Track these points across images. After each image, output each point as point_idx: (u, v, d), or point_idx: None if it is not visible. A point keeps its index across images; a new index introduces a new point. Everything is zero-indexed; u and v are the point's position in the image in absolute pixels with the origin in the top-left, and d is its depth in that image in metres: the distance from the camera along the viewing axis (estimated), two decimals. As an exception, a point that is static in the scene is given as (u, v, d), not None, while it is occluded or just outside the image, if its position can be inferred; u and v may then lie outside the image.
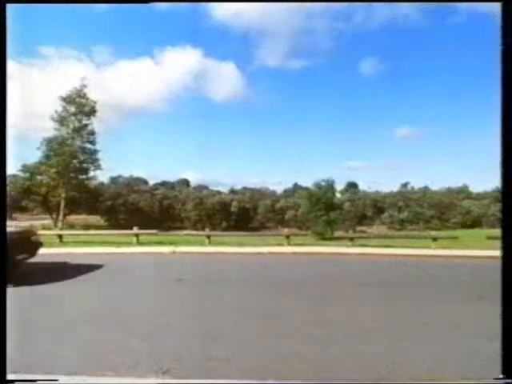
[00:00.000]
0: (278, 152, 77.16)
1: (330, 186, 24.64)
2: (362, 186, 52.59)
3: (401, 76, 64.35)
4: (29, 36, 48.38)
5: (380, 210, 42.96)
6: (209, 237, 12.04)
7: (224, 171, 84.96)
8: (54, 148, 26.30)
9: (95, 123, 28.02)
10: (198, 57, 69.87)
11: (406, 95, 65.43)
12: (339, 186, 38.56)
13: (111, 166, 49.37)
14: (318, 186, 25.10)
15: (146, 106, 69.75)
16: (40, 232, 15.85)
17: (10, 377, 2.17)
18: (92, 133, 27.42)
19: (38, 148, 27.03)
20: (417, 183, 55.03)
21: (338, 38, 60.53)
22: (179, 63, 66.24)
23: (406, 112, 65.10)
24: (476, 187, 56.18)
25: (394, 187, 48.32)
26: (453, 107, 65.26)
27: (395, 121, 76.45)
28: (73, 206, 30.11)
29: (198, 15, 61.72)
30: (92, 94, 27.28)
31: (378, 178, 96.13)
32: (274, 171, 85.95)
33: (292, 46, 66.00)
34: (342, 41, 59.72)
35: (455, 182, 53.60)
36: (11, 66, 32.77)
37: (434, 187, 47.85)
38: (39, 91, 48.02)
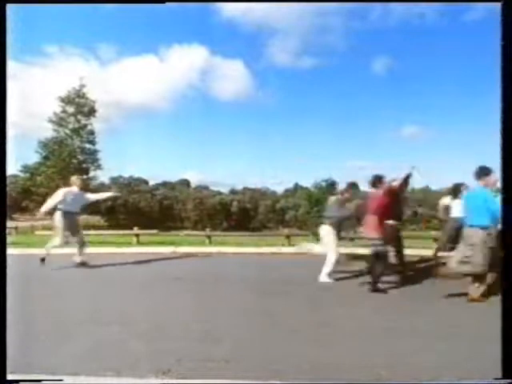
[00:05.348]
0: (281, 152, 77.35)
1: (330, 186, 24.60)
2: (363, 187, 52.49)
3: (412, 75, 64.34)
4: (32, 35, 48.53)
5: (380, 211, 42.93)
6: (209, 237, 12.04)
7: (225, 171, 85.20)
8: (53, 149, 26.34)
9: (97, 122, 28.15)
10: (204, 55, 69.56)
11: (416, 94, 65.51)
12: (340, 186, 38.49)
13: (112, 165, 49.77)
14: (317, 186, 25.07)
15: (150, 105, 69.90)
16: (40, 232, 15.90)
17: (10, 377, 2.17)
18: (92, 133, 27.46)
19: (37, 151, 27.10)
20: (419, 183, 54.92)
21: (350, 37, 60.56)
22: (185, 61, 65.85)
23: (416, 111, 65.16)
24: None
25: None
26: (461, 107, 65.31)
27: (404, 120, 76.49)
28: (73, 207, 30.05)
29: (206, 12, 61.63)
30: (95, 93, 27.43)
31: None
32: (276, 171, 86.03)
33: (302, 44, 65.93)
34: (353, 39, 59.72)
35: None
36: (14, 65, 32.77)
37: (435, 187, 47.86)
38: (42, 90, 48.14)
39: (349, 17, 61.01)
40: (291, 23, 62.80)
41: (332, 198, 6.11)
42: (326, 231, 5.73)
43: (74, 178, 6.96)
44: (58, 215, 6.47)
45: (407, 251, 9.49)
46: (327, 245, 5.71)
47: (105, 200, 8.01)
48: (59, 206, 6.47)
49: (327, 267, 5.57)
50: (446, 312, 4.06)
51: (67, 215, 6.43)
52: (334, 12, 59.51)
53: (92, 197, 7.22)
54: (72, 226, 6.55)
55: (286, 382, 2.37)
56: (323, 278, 5.56)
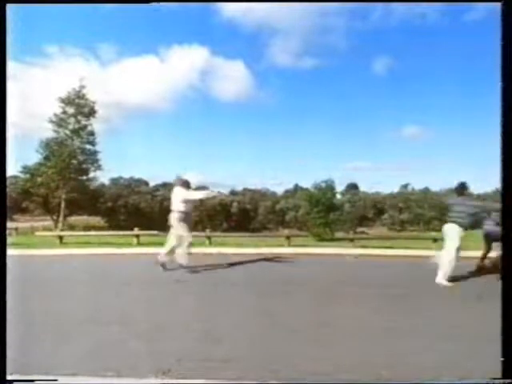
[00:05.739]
0: (281, 152, 77.29)
1: (329, 187, 24.61)
2: (364, 187, 52.59)
3: (412, 75, 64.18)
4: (32, 35, 48.61)
5: (380, 212, 42.99)
6: (209, 238, 12.04)
7: (225, 172, 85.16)
8: (53, 149, 26.36)
9: (97, 123, 28.17)
10: (205, 55, 69.50)
11: (416, 95, 65.40)
12: (340, 187, 38.60)
13: (112, 166, 49.80)
14: (317, 187, 25.08)
15: (150, 106, 69.81)
16: (40, 233, 15.92)
17: (9, 377, 2.17)
18: (92, 133, 27.48)
19: (37, 151, 27.13)
20: (421, 184, 54.88)
21: (350, 37, 60.50)
22: (186, 61, 65.70)
23: (416, 112, 65.10)
24: (476, 188, 56.19)
25: (398, 188, 48.34)
26: (462, 107, 65.24)
27: (404, 120, 76.46)
28: (73, 207, 30.15)
29: (207, 12, 61.53)
30: (95, 94, 27.63)
31: (383, 178, 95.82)
32: (276, 172, 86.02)
33: (303, 44, 65.79)
34: (354, 39, 59.67)
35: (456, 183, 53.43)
36: (14, 66, 32.81)
37: (435, 188, 47.88)
38: (42, 90, 48.18)
39: (349, 17, 60.98)
40: (292, 23, 62.82)
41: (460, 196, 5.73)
42: (456, 231, 5.42)
43: (176, 179, 6.68)
44: (173, 216, 6.33)
45: (406, 252, 9.53)
46: (451, 244, 5.42)
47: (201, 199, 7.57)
48: (174, 208, 6.30)
49: (446, 268, 5.31)
50: None
51: (182, 216, 6.29)
52: (334, 12, 59.57)
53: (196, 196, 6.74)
54: (187, 227, 6.41)
55: (288, 382, 2.36)
56: (441, 280, 5.32)
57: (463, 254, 8.74)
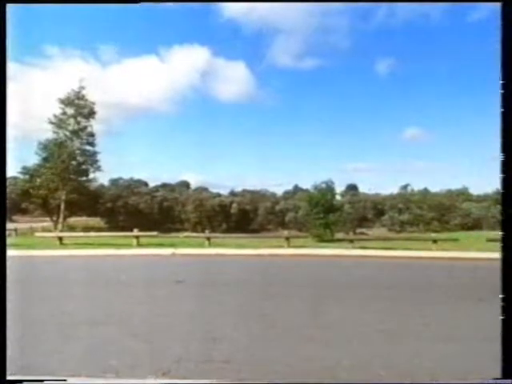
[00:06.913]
0: (282, 153, 76.90)
1: (329, 188, 24.59)
2: (363, 189, 52.57)
3: (414, 77, 63.89)
4: (32, 35, 48.59)
5: (380, 212, 42.98)
6: (209, 239, 12.04)
7: (225, 173, 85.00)
8: (53, 150, 26.34)
9: (97, 124, 28.10)
10: (206, 55, 69.12)
11: (418, 96, 65.16)
12: (340, 188, 38.60)
13: (112, 167, 49.66)
14: (317, 188, 25.07)
15: (150, 106, 69.47)
16: (40, 234, 15.89)
17: (11, 377, 2.16)
18: (91, 134, 27.45)
19: (37, 153, 27.13)
20: (421, 185, 54.54)
21: (352, 38, 60.32)
22: (186, 62, 65.43)
23: (418, 113, 64.80)
24: (476, 189, 56.17)
25: (398, 189, 48.29)
26: (463, 108, 65.08)
27: (406, 122, 75.88)
28: (73, 208, 30.07)
29: (208, 13, 61.24)
30: (95, 94, 27.56)
31: (384, 179, 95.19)
32: (276, 173, 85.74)
33: (305, 45, 65.55)
34: (356, 40, 59.43)
35: (456, 184, 53.48)
36: (14, 67, 32.81)
37: (435, 189, 47.85)
38: (42, 91, 48.07)
39: (351, 17, 60.87)
40: (293, 24, 62.73)
41: None
42: None
43: None
44: None
45: (406, 253, 9.51)
46: None
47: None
48: None
49: None
50: None
51: None
52: (336, 12, 59.45)
53: None
54: None
55: (289, 382, 2.36)
56: None
57: (464, 254, 8.73)
